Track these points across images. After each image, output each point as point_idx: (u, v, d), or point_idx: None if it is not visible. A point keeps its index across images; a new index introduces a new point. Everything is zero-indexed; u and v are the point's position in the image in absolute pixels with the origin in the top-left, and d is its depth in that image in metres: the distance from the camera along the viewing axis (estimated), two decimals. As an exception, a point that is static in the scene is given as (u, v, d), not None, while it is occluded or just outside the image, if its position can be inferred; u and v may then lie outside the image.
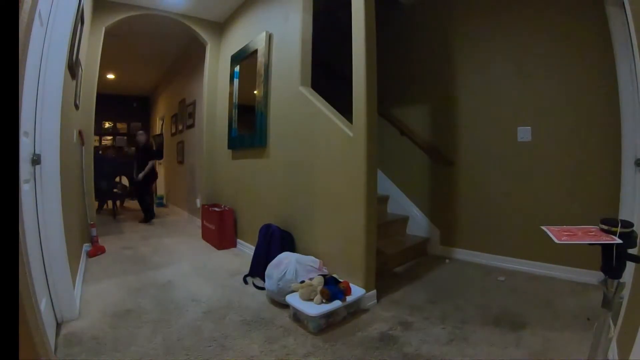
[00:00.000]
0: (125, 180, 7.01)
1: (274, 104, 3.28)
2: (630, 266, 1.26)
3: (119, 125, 9.20)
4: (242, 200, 3.89)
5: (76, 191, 3.08)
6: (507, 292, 2.52)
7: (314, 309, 1.99)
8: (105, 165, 6.14)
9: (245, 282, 2.79)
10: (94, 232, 3.65)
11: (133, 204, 7.43)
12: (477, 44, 3.28)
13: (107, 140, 9.11)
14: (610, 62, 2.42)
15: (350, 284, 2.24)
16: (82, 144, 3.59)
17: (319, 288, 2.11)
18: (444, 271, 3.07)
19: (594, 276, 2.53)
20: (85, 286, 2.63)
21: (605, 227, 1.07)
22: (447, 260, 3.34)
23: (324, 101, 2.73)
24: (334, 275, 2.33)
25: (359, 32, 2.32)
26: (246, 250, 3.68)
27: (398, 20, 3.99)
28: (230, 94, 4.06)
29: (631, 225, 1.05)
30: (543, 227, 1.15)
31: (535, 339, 1.84)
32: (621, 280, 1.06)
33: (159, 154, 6.15)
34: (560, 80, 2.77)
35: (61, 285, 1.98)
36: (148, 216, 5.57)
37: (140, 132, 5.75)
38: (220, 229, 3.85)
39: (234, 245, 3.94)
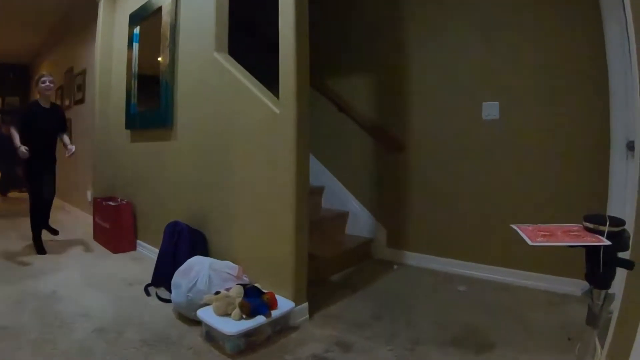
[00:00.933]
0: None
1: (182, 73, 2.89)
2: (620, 273, 1.10)
3: (-9, 100, 7.93)
4: (143, 192, 3.51)
5: None
6: (470, 305, 2.30)
7: (232, 326, 1.78)
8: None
9: (147, 293, 2.51)
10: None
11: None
12: (435, 8, 2.93)
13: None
14: (596, 23, 2.15)
15: (277, 296, 2.01)
16: None
17: (238, 300, 1.89)
18: (391, 279, 2.78)
19: (576, 286, 2.21)
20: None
21: (591, 226, 0.99)
22: (395, 266, 3.01)
23: (245, 71, 2.42)
24: (256, 285, 2.08)
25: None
26: (148, 253, 3.34)
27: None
28: (129, 61, 3.59)
29: (622, 223, 0.97)
30: (514, 226, 1.08)
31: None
32: (609, 291, 0.99)
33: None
34: (535, 47, 2.48)
35: None
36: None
37: (48, 77, 3.41)
38: (116, 228, 3.48)
39: (133, 247, 3.59)
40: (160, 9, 2.99)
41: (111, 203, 3.59)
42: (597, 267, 0.96)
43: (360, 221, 3.38)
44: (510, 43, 2.59)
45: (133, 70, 3.51)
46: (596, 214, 1.03)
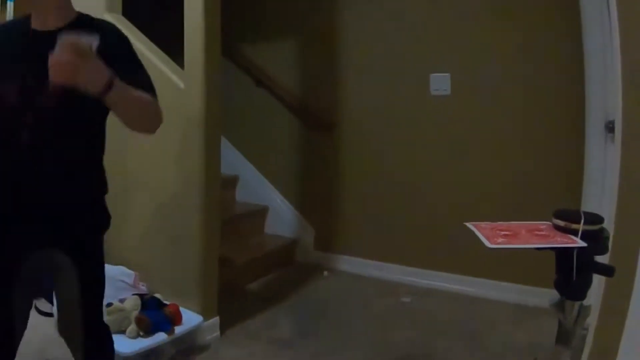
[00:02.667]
0: None
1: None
2: (598, 281, 1.01)
3: None
4: None
5: None
6: (416, 319, 2.11)
7: (126, 345, 1.63)
8: None
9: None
10: None
11: None
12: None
13: None
14: None
15: (181, 308, 1.83)
16: None
17: (134, 314, 1.73)
18: (320, 288, 2.51)
19: (544, 296, 1.89)
20: None
21: (561, 224, 0.85)
22: (325, 273, 2.70)
23: (142, 35, 2.16)
24: (157, 295, 1.90)
25: None
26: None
27: None
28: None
29: (600, 220, 0.84)
30: (469, 224, 0.93)
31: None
32: (585, 302, 0.86)
33: None
34: (500, 11, 2.26)
35: None
36: None
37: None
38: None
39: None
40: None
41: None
42: (570, 274, 0.83)
43: (283, 218, 3.02)
44: (468, 7, 2.35)
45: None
46: (568, 209, 0.90)
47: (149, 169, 2.08)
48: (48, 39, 0.88)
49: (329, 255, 2.80)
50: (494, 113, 2.27)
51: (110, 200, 2.18)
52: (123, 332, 1.66)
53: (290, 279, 2.66)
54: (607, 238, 0.86)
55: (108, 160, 2.11)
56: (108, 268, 1.86)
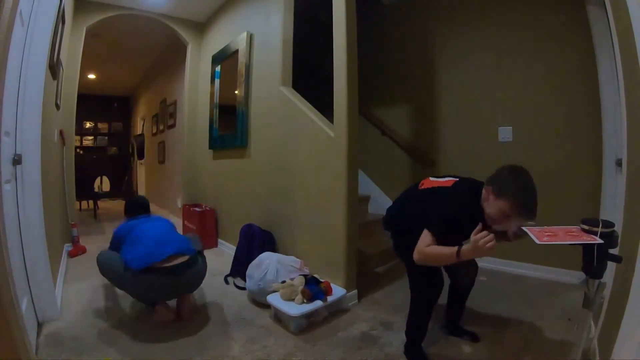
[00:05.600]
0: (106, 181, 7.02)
1: (254, 104, 3.25)
2: (611, 266, 1.22)
3: (99, 125, 9.05)
4: (223, 200, 3.85)
5: (57, 191, 3.03)
6: (489, 292, 2.51)
7: (295, 309, 1.98)
8: None
9: (227, 282, 2.77)
10: (74, 232, 3.58)
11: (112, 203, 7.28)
12: (458, 43, 3.31)
13: (88, 140, 8.95)
14: (591, 61, 2.43)
15: (331, 284, 2.23)
16: (63, 143, 3.53)
17: (300, 288, 2.10)
18: None
19: (575, 276, 2.56)
20: (66, 286, 2.60)
21: (587, 227, 1.08)
22: None
23: (305, 101, 2.72)
24: (315, 276, 2.32)
25: (340, 31, 2.31)
26: (227, 250, 3.65)
27: (379, 20, 4.00)
28: (211, 94, 4.01)
29: (612, 225, 1.06)
30: (524, 228, 1.18)
31: (517, 338, 1.85)
32: (602, 280, 1.08)
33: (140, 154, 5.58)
34: (541, 80, 2.79)
35: (42, 285, 1.97)
36: None
37: None
38: (201, 229, 3.80)
39: (215, 245, 3.90)
40: (237, 51, 3.43)
41: (197, 209, 3.90)
42: (592, 261, 1.04)
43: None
44: (520, 79, 2.91)
45: (215, 101, 3.92)
46: (591, 217, 1.09)
47: (311, 191, 2.56)
48: None
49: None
50: (541, 152, 2.79)
51: (283, 212, 2.85)
52: (292, 300, 2.03)
53: (404, 265, 3.12)
54: (617, 237, 1.06)
55: (284, 186, 2.71)
56: (283, 257, 2.39)
